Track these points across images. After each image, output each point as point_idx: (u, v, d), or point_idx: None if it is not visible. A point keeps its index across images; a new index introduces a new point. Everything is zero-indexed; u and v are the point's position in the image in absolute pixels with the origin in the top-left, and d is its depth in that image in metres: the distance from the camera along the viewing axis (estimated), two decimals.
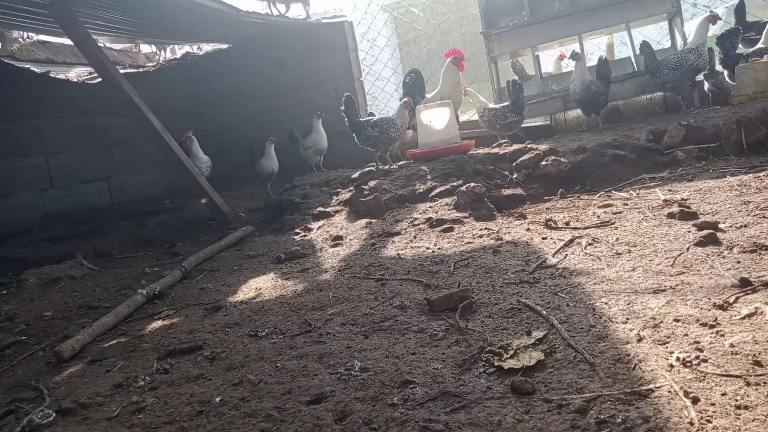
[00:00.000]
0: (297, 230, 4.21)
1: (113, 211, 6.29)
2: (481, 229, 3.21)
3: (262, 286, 2.92)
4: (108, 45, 7.52)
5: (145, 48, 8.77)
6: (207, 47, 8.66)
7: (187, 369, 1.95)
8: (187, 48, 8.85)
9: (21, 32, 6.73)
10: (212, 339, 2.20)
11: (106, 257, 4.50)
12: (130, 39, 7.71)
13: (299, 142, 6.64)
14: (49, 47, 6.96)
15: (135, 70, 7.91)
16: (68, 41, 6.35)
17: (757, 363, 1.28)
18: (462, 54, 5.71)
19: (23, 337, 2.70)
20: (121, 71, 6.24)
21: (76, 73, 7.55)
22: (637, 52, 6.90)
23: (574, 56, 5.94)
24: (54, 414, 1.75)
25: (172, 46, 8.88)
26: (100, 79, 6.25)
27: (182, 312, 2.69)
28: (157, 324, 2.58)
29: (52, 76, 6.80)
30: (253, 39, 7.83)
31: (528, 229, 3.05)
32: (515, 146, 4.77)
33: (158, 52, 8.81)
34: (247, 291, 2.88)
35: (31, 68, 6.53)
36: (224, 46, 8.41)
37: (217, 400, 1.65)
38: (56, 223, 5.78)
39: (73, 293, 3.44)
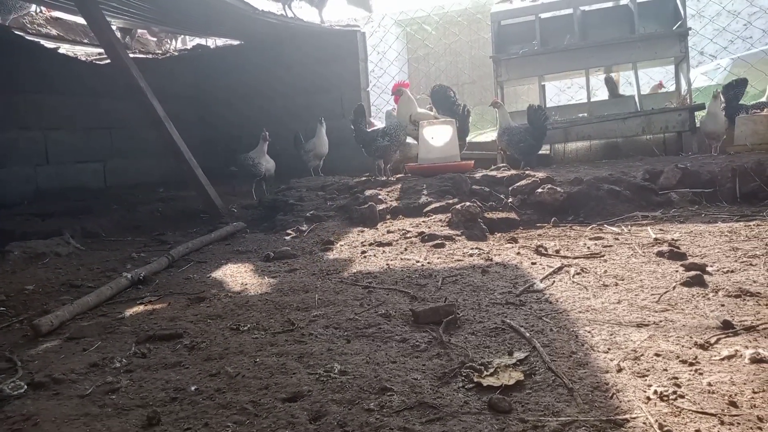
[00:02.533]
0: (288, 231, 4.21)
1: (106, 194, 6.26)
2: (472, 248, 3.22)
3: (248, 281, 2.91)
4: (120, 26, 7.53)
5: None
6: (219, 42, 8.69)
7: (165, 355, 1.93)
8: (198, 40, 8.88)
9: (35, 6, 6.73)
10: (193, 328, 2.19)
11: (93, 238, 4.48)
12: (144, 25, 7.72)
13: (302, 144, 6.66)
14: (61, 24, 6.97)
15: (144, 56, 7.92)
16: (81, 20, 6.37)
17: (733, 404, 1.29)
18: (407, 85, 5.87)
19: (1, 308, 2.67)
20: (131, 55, 6.24)
21: (85, 53, 7.55)
22: (641, 91, 7.05)
23: (494, 104, 5.97)
24: (25, 386, 1.73)
25: (183, 36, 8.90)
26: (108, 61, 6.26)
27: (165, 299, 2.68)
28: (139, 309, 2.56)
29: (62, 52, 6.79)
30: (266, 39, 7.88)
31: (518, 253, 3.07)
32: (513, 171, 4.81)
33: (169, 41, 8.83)
34: (233, 285, 2.87)
35: (41, 42, 6.52)
36: (236, 43, 8.45)
37: (193, 388, 1.64)
38: (47, 199, 5.75)
39: (56, 270, 3.41)
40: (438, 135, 5.30)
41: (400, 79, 10.07)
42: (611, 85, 7.50)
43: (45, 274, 3.31)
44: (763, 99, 5.74)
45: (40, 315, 2.42)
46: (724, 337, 1.68)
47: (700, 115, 6.17)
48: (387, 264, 3.02)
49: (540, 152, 7.01)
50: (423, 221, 3.94)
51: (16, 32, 6.24)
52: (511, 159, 5.90)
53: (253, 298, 2.56)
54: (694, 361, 1.52)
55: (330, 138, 6.68)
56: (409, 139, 5.75)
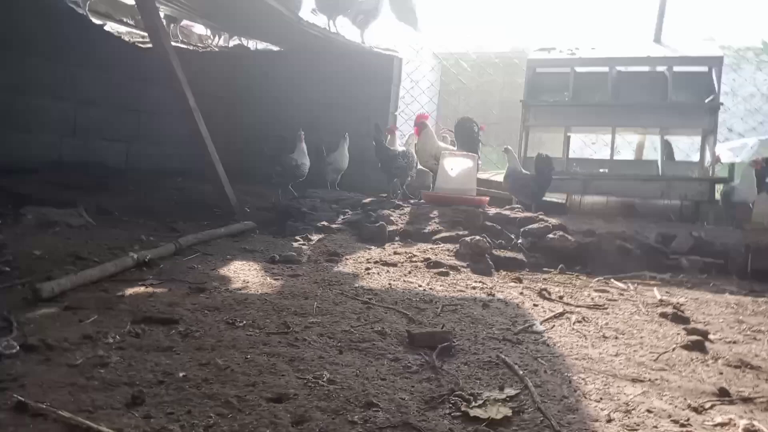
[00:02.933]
0: (297, 237, 4.23)
1: (125, 174, 6.34)
2: (476, 281, 3.22)
3: (250, 280, 2.92)
4: (167, 14, 7.69)
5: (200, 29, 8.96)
6: (259, 45, 8.86)
7: (159, 338, 1.94)
8: (239, 40, 9.05)
9: None
10: (189, 317, 2.19)
11: (106, 215, 4.51)
12: (190, 16, 7.90)
13: (323, 157, 6.72)
14: (110, 3, 7.15)
15: (185, 47, 8.09)
16: (131, 1, 6.52)
17: None
18: (426, 117, 5.89)
19: (6, 268, 2.70)
20: (173, 44, 6.37)
21: (129, 34, 7.72)
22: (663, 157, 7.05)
23: (505, 150, 6.07)
24: (18, 347, 1.74)
25: (225, 34, 9.09)
26: (148, 46, 6.39)
27: (166, 285, 2.69)
28: (140, 290, 2.57)
29: (107, 30, 6.95)
30: (304, 49, 8.01)
31: (521, 293, 3.06)
32: (527, 213, 4.81)
33: (211, 37, 9.01)
34: (234, 281, 2.88)
35: (89, 17, 6.68)
36: (275, 49, 8.60)
37: (181, 375, 1.64)
38: (68, 170, 5.81)
39: (66, 240, 3.44)
40: (458, 167, 5.34)
41: (429, 110, 10.18)
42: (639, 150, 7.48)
43: (54, 242, 3.34)
44: None
45: (43, 280, 2.44)
46: (719, 404, 1.65)
47: (719, 188, 6.15)
48: (389, 283, 3.02)
49: (556, 201, 7.04)
50: (431, 248, 3.94)
51: (68, 3, 6.40)
52: (522, 202, 5.94)
53: (253, 296, 2.56)
54: (686, 423, 1.50)
55: (352, 155, 6.74)
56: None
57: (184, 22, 8.55)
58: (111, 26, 7.41)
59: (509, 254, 4.11)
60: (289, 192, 6.14)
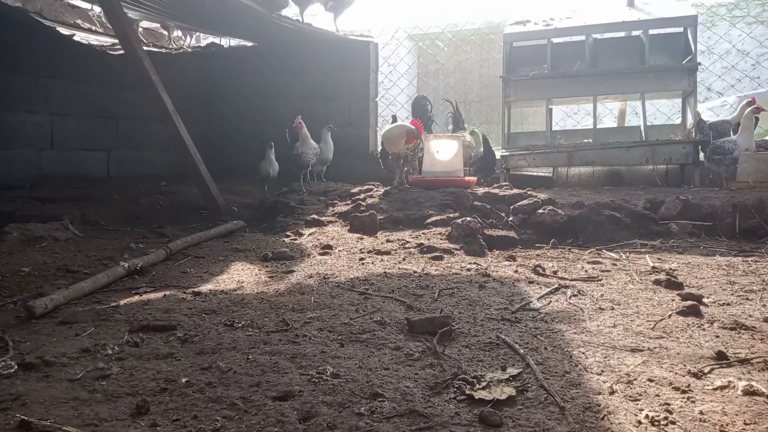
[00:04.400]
0: (288, 233, 4.21)
1: (108, 183, 6.26)
2: (470, 263, 3.23)
3: (244, 279, 2.91)
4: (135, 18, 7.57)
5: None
6: (233, 42, 8.74)
7: (158, 346, 1.93)
8: (212, 39, 8.93)
9: None
10: (187, 322, 2.18)
11: (92, 226, 4.47)
12: (161, 19, 7.78)
13: (268, 153, 6.63)
14: (78, 12, 7.02)
15: (157, 50, 7.96)
16: (97, 9, 6.40)
17: None
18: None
19: None
20: (144, 48, 6.27)
21: (99, 42, 7.59)
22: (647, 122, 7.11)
23: (472, 133, 6.48)
24: (16, 366, 1.72)
25: (197, 34, 8.96)
26: (120, 52, 6.29)
27: (160, 291, 2.67)
28: (134, 299, 2.56)
29: (76, 39, 6.83)
30: (278, 42, 7.93)
31: (516, 271, 3.08)
32: (515, 190, 4.83)
33: (183, 38, 8.88)
34: (229, 282, 2.86)
35: (57, 28, 6.56)
36: (249, 44, 8.50)
37: (183, 380, 1.63)
38: (49, 184, 5.74)
39: (54, 254, 3.40)
40: (443, 149, 5.33)
41: (409, 93, 10.14)
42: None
43: (42, 257, 3.30)
44: None
45: (34, 297, 2.42)
46: (718, 368, 1.68)
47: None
48: (384, 272, 3.02)
49: (543, 175, 7.08)
50: (423, 233, 3.94)
51: (33, 16, 6.27)
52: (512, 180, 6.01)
53: (249, 296, 2.56)
54: (686, 389, 1.52)
55: (336, 145, 6.71)
56: None
57: (154, 24, 8.41)
58: (80, 36, 7.27)
59: (501, 233, 4.12)
60: (271, 188, 6.07)
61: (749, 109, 5.67)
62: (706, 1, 10.00)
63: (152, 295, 2.59)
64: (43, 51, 6.05)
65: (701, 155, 6.23)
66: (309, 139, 6.07)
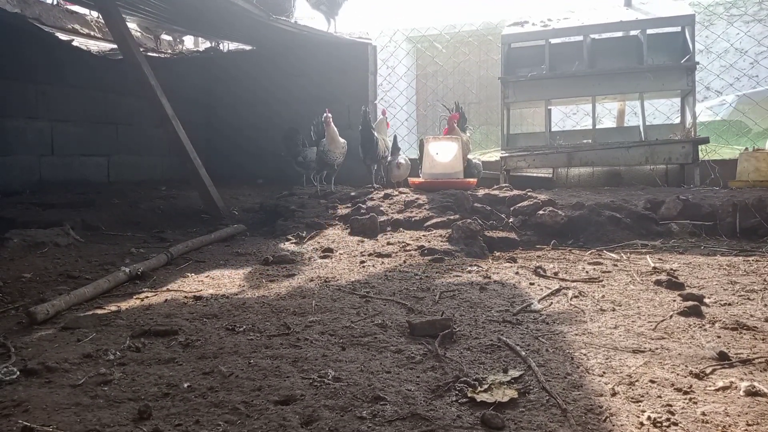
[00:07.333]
0: (288, 236, 4.21)
1: (108, 188, 6.26)
2: (471, 265, 3.23)
3: (245, 283, 2.91)
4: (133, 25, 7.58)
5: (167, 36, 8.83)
6: (231, 46, 8.75)
7: (159, 351, 1.93)
8: (209, 43, 8.94)
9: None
10: (188, 326, 2.18)
11: (93, 231, 4.47)
12: (158, 24, 7.78)
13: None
14: (76, 17, 7.02)
15: (156, 55, 7.97)
16: (95, 14, 6.41)
17: None
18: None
19: None
20: (143, 53, 6.28)
21: (98, 48, 7.60)
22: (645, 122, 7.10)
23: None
24: (18, 372, 1.72)
25: (196, 38, 8.97)
26: (119, 57, 6.30)
27: (162, 296, 2.68)
28: (135, 303, 2.56)
29: (75, 45, 6.84)
30: (277, 46, 7.94)
31: (517, 273, 3.08)
32: (515, 192, 4.82)
33: (182, 42, 8.89)
34: (230, 286, 2.87)
35: (56, 34, 6.57)
36: (248, 48, 8.51)
37: (185, 385, 1.63)
38: (49, 190, 5.75)
39: (55, 260, 3.40)
40: (443, 150, 5.33)
41: (408, 95, 10.16)
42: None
43: (43, 263, 3.30)
44: None
45: (36, 303, 2.42)
46: (720, 368, 1.68)
47: (702, 149, 6.20)
48: (385, 275, 3.02)
49: (543, 175, 7.08)
50: (423, 235, 3.94)
51: (32, 22, 6.28)
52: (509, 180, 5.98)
53: (250, 300, 2.56)
54: (688, 390, 1.52)
55: None
56: (401, 159, 5.86)
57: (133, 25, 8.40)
58: (79, 41, 7.28)
59: (501, 234, 4.13)
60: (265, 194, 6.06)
61: None
62: (703, 0, 10.03)
63: (154, 300, 2.60)
64: (43, 57, 6.06)
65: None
66: (337, 135, 5.62)
